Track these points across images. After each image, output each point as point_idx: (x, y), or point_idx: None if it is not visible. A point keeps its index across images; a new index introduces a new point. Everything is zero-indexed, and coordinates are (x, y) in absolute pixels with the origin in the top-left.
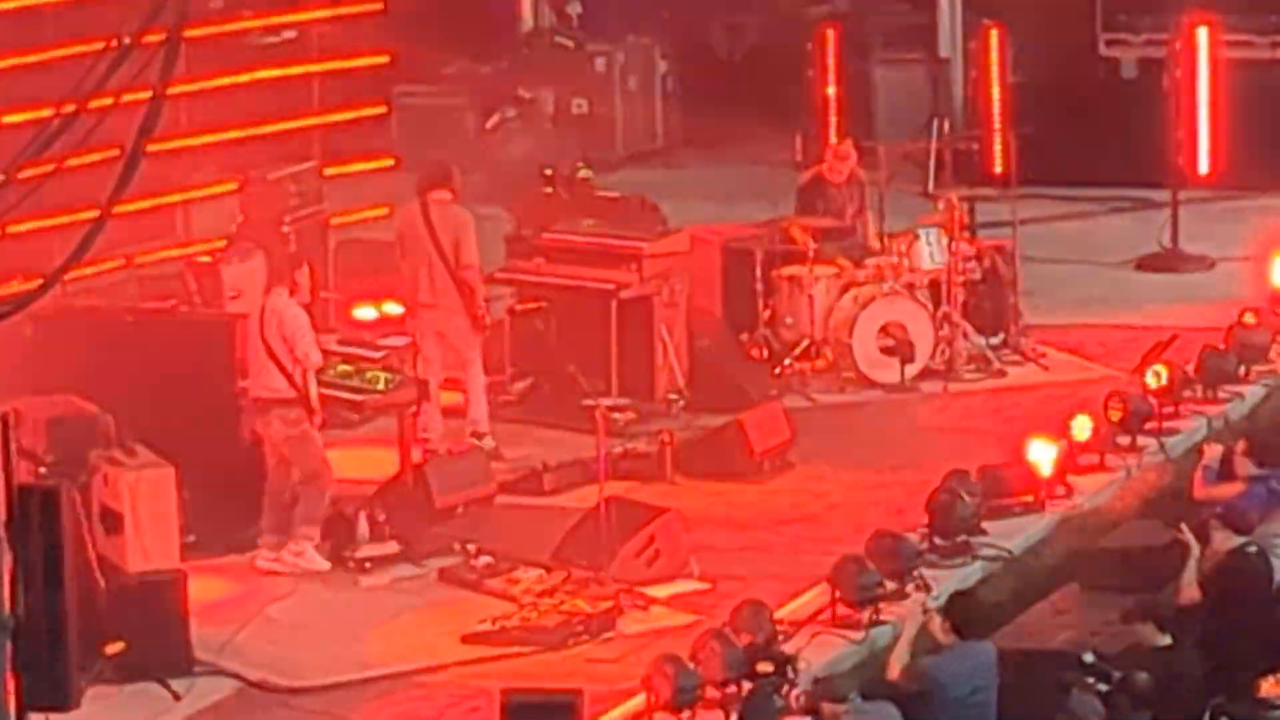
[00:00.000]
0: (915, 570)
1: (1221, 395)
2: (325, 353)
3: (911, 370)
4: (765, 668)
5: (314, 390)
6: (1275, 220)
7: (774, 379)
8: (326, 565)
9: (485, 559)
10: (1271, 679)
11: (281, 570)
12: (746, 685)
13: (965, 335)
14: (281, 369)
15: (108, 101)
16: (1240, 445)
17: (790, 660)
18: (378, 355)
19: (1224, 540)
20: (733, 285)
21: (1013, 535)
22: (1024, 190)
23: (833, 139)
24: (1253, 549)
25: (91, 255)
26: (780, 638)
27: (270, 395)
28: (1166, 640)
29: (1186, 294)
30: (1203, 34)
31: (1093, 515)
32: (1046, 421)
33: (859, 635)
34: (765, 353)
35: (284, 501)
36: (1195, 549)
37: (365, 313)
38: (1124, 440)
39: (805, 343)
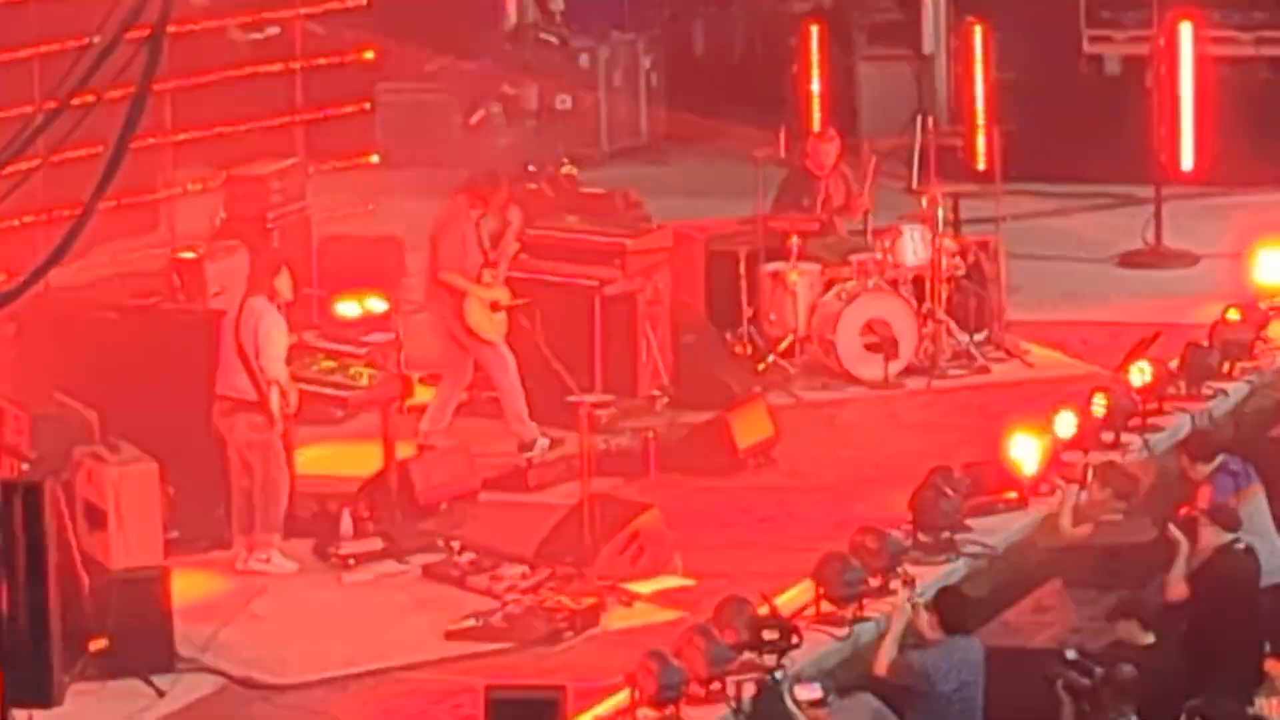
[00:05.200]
0: (899, 567)
1: (1205, 392)
2: (309, 348)
3: (895, 367)
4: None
5: (275, 401)
6: (1259, 216)
7: (758, 375)
8: (294, 567)
9: (469, 555)
10: (1269, 700)
11: (258, 571)
12: (730, 680)
13: (949, 331)
14: (249, 372)
15: (91, 98)
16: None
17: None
18: (361, 351)
19: (1213, 537)
20: (716, 281)
21: (996, 532)
22: (1008, 186)
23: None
24: (1240, 545)
25: (75, 252)
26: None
27: (236, 396)
28: (1150, 638)
29: (1170, 290)
30: (1186, 31)
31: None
32: (1030, 418)
33: (843, 632)
34: (749, 349)
35: (250, 503)
36: (1185, 546)
37: (348, 309)
38: (1108, 437)
39: (789, 339)
